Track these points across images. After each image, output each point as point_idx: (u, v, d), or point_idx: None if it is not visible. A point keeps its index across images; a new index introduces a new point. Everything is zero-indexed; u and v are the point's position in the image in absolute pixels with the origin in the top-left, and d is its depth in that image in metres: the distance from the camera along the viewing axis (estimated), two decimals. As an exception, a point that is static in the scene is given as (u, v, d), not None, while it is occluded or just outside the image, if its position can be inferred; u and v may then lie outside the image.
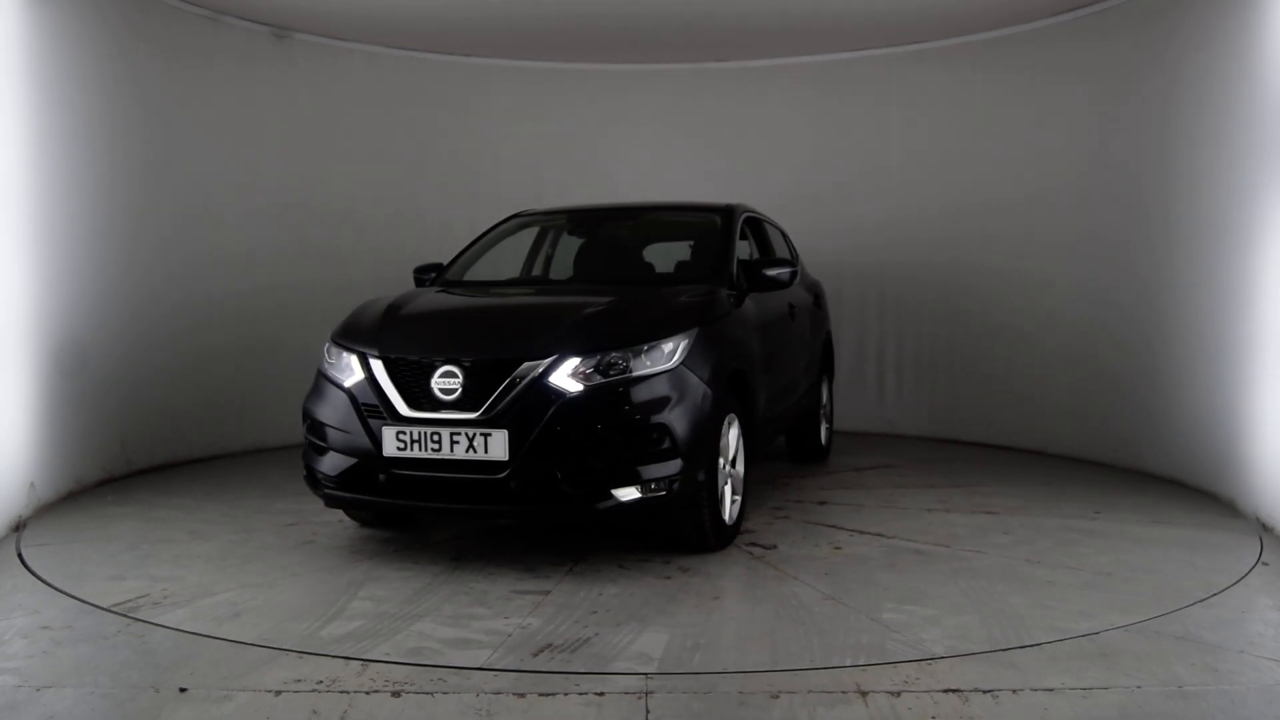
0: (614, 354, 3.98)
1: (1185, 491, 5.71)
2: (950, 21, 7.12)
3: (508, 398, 3.89)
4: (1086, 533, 4.74)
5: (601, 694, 2.92)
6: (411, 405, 4.00)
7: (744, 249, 5.68)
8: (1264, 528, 4.88)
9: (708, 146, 8.22)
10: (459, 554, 4.43)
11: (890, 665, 3.12)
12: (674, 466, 3.97)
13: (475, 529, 4.85)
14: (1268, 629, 3.54)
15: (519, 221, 5.88)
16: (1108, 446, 6.58)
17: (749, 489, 4.78)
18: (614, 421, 3.92)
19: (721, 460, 4.33)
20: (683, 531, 4.30)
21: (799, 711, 2.81)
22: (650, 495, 3.94)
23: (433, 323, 4.47)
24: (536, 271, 5.97)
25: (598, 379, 3.94)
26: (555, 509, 4.03)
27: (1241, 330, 5.27)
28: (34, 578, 4.06)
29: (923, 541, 4.58)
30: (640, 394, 3.97)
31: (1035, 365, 7.14)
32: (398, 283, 6.89)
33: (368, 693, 2.93)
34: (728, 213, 5.39)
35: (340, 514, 4.89)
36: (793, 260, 5.33)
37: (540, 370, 3.91)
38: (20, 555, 4.37)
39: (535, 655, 3.21)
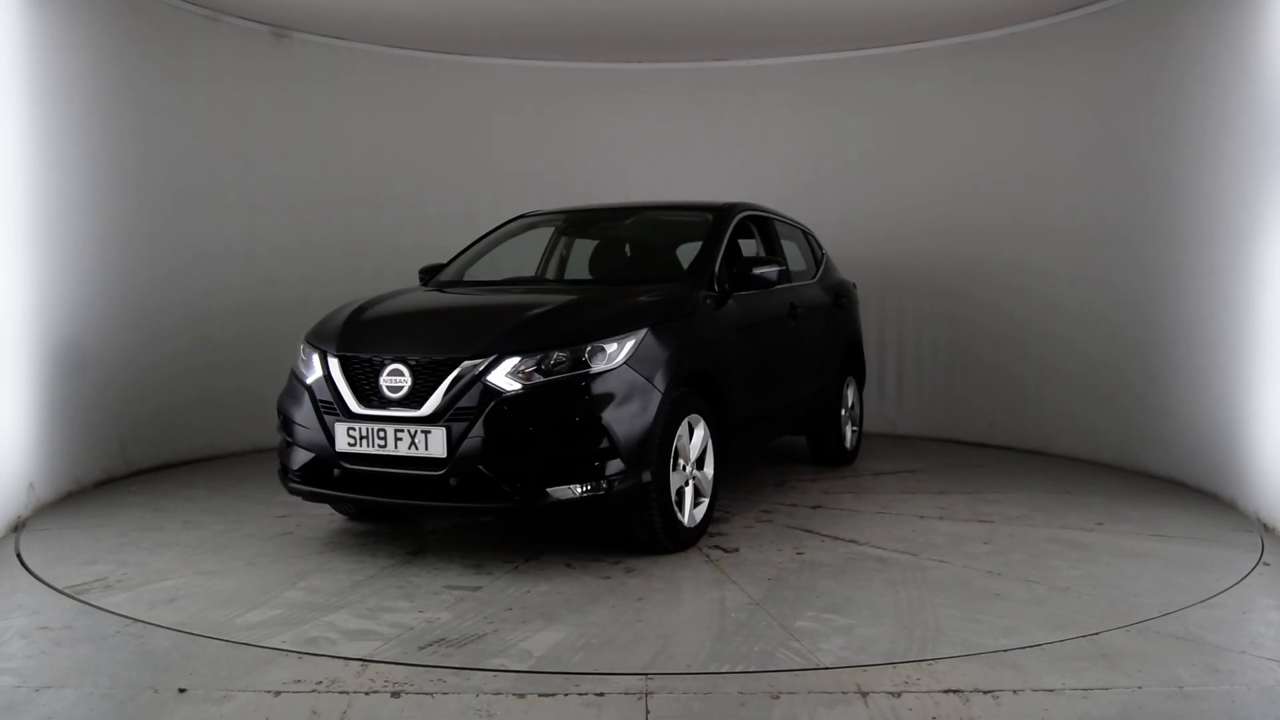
0: (553, 354, 4.02)
1: (1190, 495, 5.70)
2: (952, 21, 7.11)
3: (447, 396, 3.98)
4: (1073, 545, 4.55)
5: (601, 694, 2.92)
6: (362, 402, 4.13)
7: (750, 248, 5.69)
8: (1265, 528, 4.88)
9: (708, 145, 8.22)
10: (419, 549, 4.51)
11: (891, 666, 3.12)
12: (613, 467, 3.98)
13: (457, 524, 4.92)
14: (1269, 629, 3.53)
15: (524, 222, 5.92)
16: (1109, 447, 6.58)
17: (725, 490, 4.78)
18: (550, 421, 3.95)
19: (682, 462, 4.35)
20: (635, 532, 4.31)
21: (799, 712, 2.80)
22: (588, 495, 3.96)
23: (389, 322, 4.53)
24: (533, 272, 5.99)
25: (537, 378, 3.98)
26: (493, 506, 4.02)
27: (1243, 330, 5.27)
28: (33, 578, 4.06)
29: (892, 549, 4.46)
30: (578, 394, 3.99)
31: (1036, 365, 7.14)
32: (396, 281, 6.90)
33: (367, 693, 2.92)
34: (721, 212, 5.36)
35: (328, 509, 5.00)
36: (783, 260, 5.23)
37: (479, 369, 3.99)
38: (19, 555, 4.37)
39: (421, 649, 3.27)
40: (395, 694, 2.92)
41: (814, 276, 6.34)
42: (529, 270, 6.09)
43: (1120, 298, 6.47)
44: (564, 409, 3.97)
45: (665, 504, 4.22)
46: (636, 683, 3.00)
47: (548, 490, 3.93)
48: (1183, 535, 4.73)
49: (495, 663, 3.14)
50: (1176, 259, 5.96)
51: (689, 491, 4.43)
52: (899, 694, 2.91)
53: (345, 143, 7.55)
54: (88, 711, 2.82)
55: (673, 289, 4.67)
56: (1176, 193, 5.95)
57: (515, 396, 3.95)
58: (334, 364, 4.26)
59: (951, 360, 7.71)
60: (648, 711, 2.81)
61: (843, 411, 6.46)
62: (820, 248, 6.68)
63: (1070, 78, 6.81)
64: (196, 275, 6.69)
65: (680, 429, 4.31)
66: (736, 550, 4.47)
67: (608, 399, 4.01)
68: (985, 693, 2.92)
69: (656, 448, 4.13)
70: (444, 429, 3.94)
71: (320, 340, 4.45)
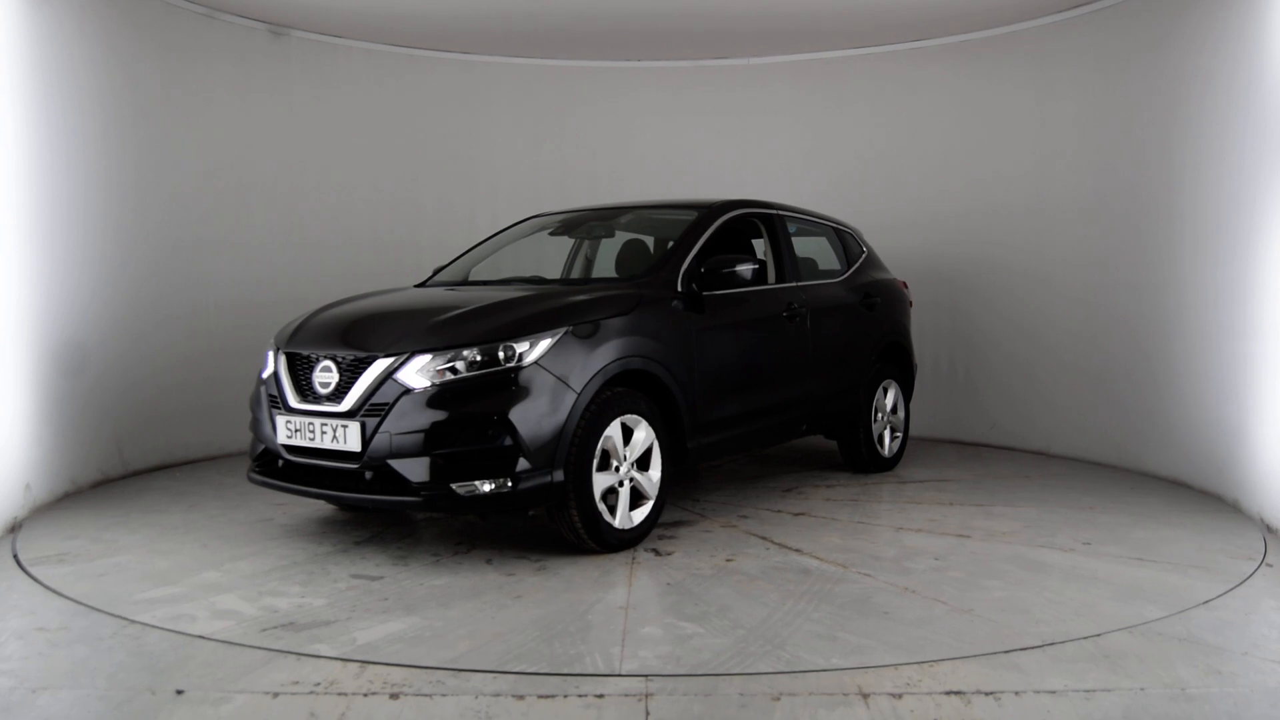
0: (462, 352, 4.09)
1: (1194, 498, 5.69)
2: (953, 19, 7.10)
3: (363, 392, 4.13)
4: (1031, 565, 4.24)
5: (601, 695, 2.90)
6: (300, 397, 4.35)
7: (759, 247, 5.64)
8: (1268, 529, 4.86)
9: (708, 143, 8.21)
10: (369, 538, 4.68)
11: (892, 668, 3.10)
12: (518, 465, 4.02)
13: (442, 518, 5.03)
14: (1271, 631, 3.52)
15: (534, 223, 5.97)
16: (1111, 447, 6.57)
17: (718, 492, 4.69)
18: (454, 417, 4.02)
19: (615, 463, 4.35)
20: (560, 532, 4.33)
21: (800, 713, 2.79)
22: (493, 492, 4.01)
23: (334, 321, 4.63)
24: (538, 271, 5.97)
25: (446, 376, 4.06)
26: (403, 500, 4.08)
27: (1245, 330, 5.26)
28: (29, 579, 4.04)
29: (829, 561, 4.29)
30: (484, 392, 4.05)
31: (1038, 365, 7.13)
32: (393, 280, 6.89)
33: (365, 695, 2.91)
34: (707, 211, 5.31)
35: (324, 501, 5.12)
36: (754, 258, 5.09)
37: (392, 367, 4.11)
38: (16, 557, 4.35)
39: (262, 631, 3.41)
40: (394, 695, 2.90)
41: (842, 275, 6.22)
42: (536, 270, 6.05)
43: (1122, 297, 6.46)
44: (469, 407, 4.03)
45: (586, 504, 4.22)
46: (637, 684, 2.98)
47: (453, 486, 4.00)
48: (1167, 561, 4.30)
49: (311, 648, 3.26)
50: (1178, 258, 5.95)
51: (624, 493, 4.41)
52: (900, 695, 2.90)
53: (343, 140, 7.54)
54: (85, 713, 2.80)
55: (616, 288, 4.67)
56: (1178, 192, 5.94)
57: (421, 393, 4.05)
58: (281, 361, 4.49)
59: (953, 359, 7.70)
60: (648, 713, 2.80)
61: (880, 416, 6.29)
62: (860, 246, 6.54)
63: (1072, 76, 6.80)
64: (194, 275, 6.68)
65: (610, 430, 4.30)
66: (670, 554, 4.42)
67: (515, 397, 4.05)
68: (987, 694, 2.90)
69: (571, 447, 4.14)
70: (359, 424, 4.10)
71: (277, 338, 4.69)
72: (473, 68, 8.01)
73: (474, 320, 4.26)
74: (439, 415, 4.01)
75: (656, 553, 4.44)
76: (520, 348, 4.12)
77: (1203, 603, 3.75)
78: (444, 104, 7.95)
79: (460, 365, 4.07)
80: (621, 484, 4.41)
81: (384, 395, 4.09)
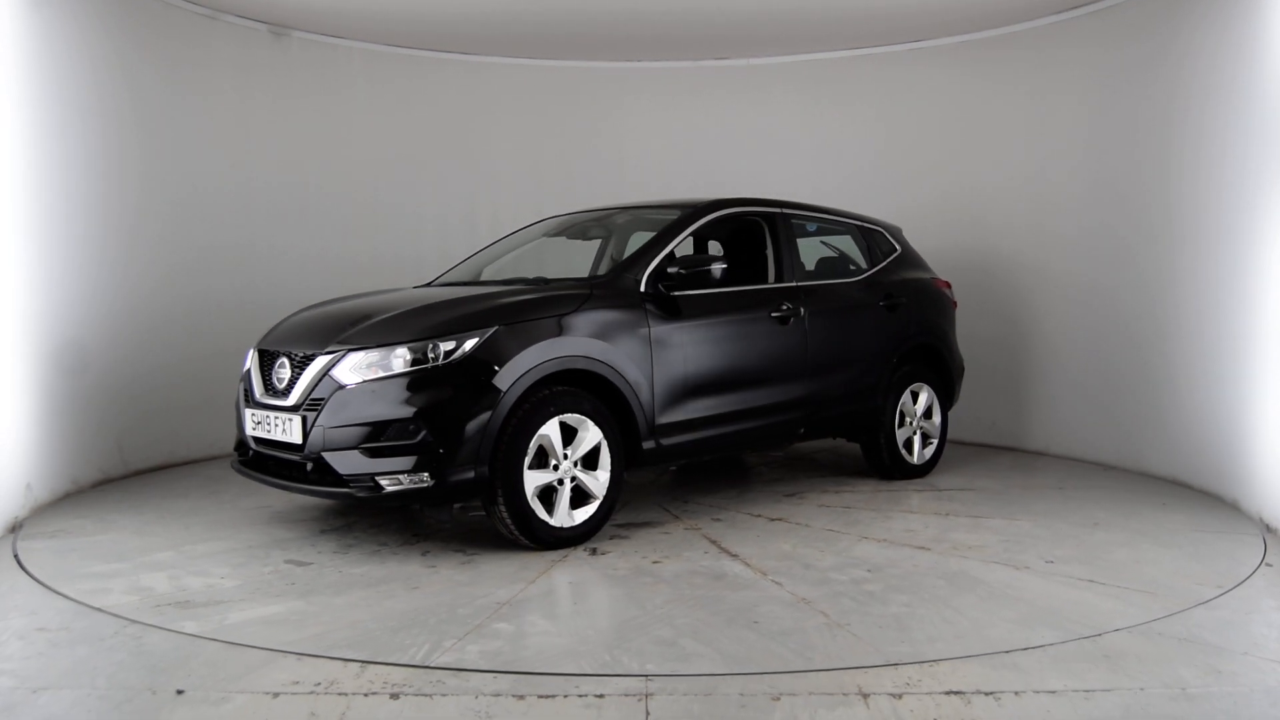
0: (393, 349, 4.23)
1: (1191, 498, 5.69)
2: (953, 20, 7.10)
3: (305, 388, 4.33)
4: (962, 582, 3.98)
5: (601, 695, 2.90)
6: (264, 392, 4.57)
7: (758, 247, 5.60)
8: (1268, 529, 4.86)
9: (708, 144, 8.21)
10: (338, 527, 4.91)
11: (892, 667, 3.11)
12: (439, 461, 4.13)
13: (428, 510, 5.15)
14: (1271, 631, 3.52)
15: (548, 223, 6.02)
16: (1111, 447, 6.57)
17: (716, 494, 4.68)
18: (380, 413, 4.17)
19: (554, 461, 4.40)
20: (497, 528, 4.45)
21: (800, 714, 2.79)
22: (414, 488, 4.15)
23: (300, 320, 4.87)
24: (547, 271, 5.95)
25: (376, 373, 4.20)
26: (336, 492, 4.27)
27: (1245, 329, 5.26)
28: (30, 579, 4.05)
29: (756, 569, 4.17)
30: (409, 389, 4.17)
31: (1037, 365, 7.13)
32: (393, 280, 6.89)
33: (366, 695, 2.91)
34: (690, 210, 5.29)
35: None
36: (722, 258, 5.01)
37: (330, 364, 4.29)
38: (16, 556, 4.35)
39: (154, 608, 3.66)
40: (394, 695, 2.91)
41: (861, 275, 6.04)
42: (548, 270, 6.01)
43: (1122, 297, 6.46)
44: (393, 403, 4.16)
45: (517, 502, 4.28)
46: (637, 684, 2.98)
47: (378, 479, 4.15)
48: (1119, 585, 3.95)
49: (187, 627, 3.46)
50: (1178, 258, 5.95)
51: (564, 492, 4.44)
52: (900, 695, 2.90)
53: (344, 141, 7.54)
54: (85, 713, 2.80)
55: (566, 289, 4.70)
56: (1178, 192, 5.94)
57: (351, 389, 4.21)
58: (253, 357, 4.75)
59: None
60: (648, 713, 2.80)
61: (909, 421, 6.08)
62: (894, 245, 6.34)
63: (1071, 76, 6.79)
64: (195, 274, 6.68)
65: (546, 429, 4.35)
66: (605, 554, 4.42)
67: (438, 395, 4.16)
68: (987, 694, 2.91)
69: (498, 445, 4.22)
70: (300, 418, 4.29)
71: (260, 337, 4.97)
72: (473, 68, 8.01)
73: (409, 320, 4.40)
74: (367, 410, 4.17)
75: (593, 552, 4.46)
76: (446, 346, 4.22)
77: (1203, 603, 3.75)
78: (444, 104, 7.94)
79: (391, 362, 4.20)
80: (561, 482, 4.45)
81: (321, 390, 4.27)
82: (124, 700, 2.88)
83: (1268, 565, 4.27)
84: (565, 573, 4.15)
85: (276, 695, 2.91)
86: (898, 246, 6.41)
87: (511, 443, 4.25)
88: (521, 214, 7.86)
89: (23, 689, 2.95)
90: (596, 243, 6.19)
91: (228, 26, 6.89)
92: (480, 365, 4.22)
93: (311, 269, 7.27)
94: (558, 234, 6.01)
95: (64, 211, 5.60)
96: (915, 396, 6.17)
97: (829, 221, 6.09)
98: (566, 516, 4.46)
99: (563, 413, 4.42)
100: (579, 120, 8.22)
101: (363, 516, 5.07)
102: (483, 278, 5.64)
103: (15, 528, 4.84)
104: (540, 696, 2.90)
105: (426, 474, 4.12)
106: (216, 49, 6.82)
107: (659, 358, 4.78)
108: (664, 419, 4.81)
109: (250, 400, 4.64)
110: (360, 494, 4.20)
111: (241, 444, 4.78)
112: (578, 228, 6.00)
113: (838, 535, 4.78)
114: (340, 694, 2.91)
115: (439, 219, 7.87)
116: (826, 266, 6.05)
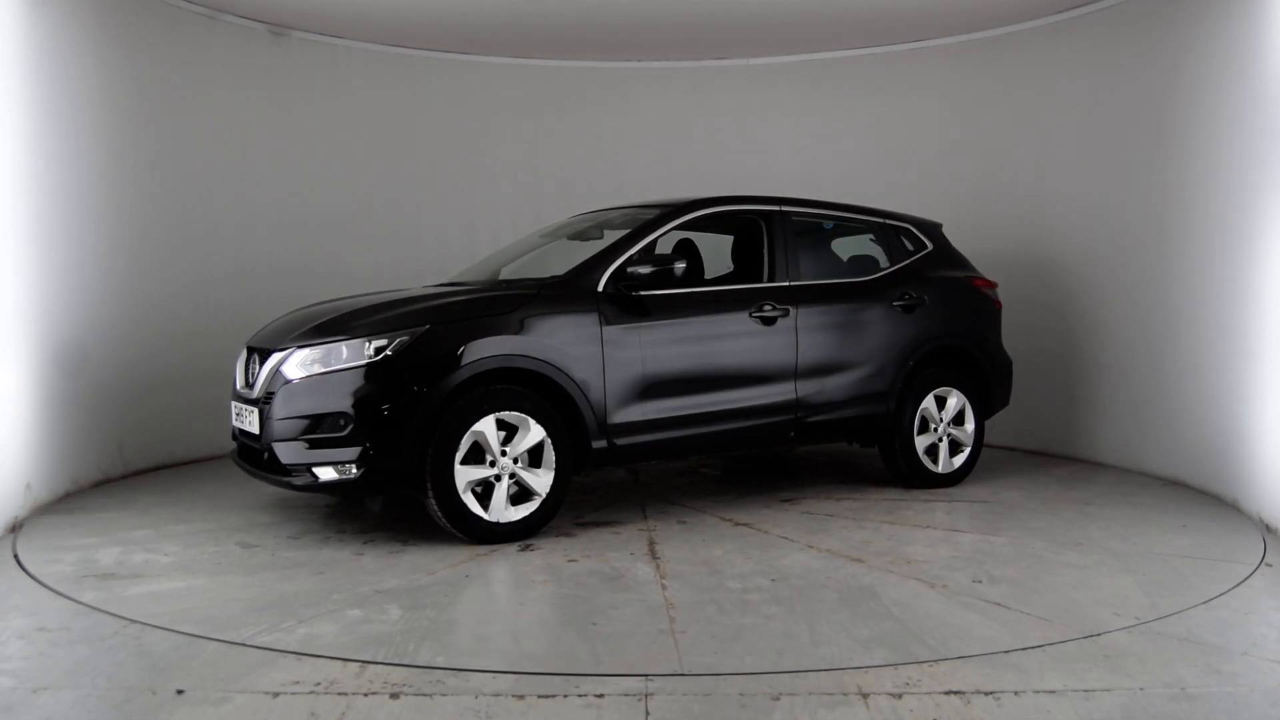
0: (334, 347, 4.44)
1: (1195, 499, 5.68)
2: (953, 20, 7.11)
3: (262, 382, 4.59)
4: (856, 596, 3.80)
5: (601, 695, 2.90)
6: (245, 385, 4.83)
7: (756, 246, 5.55)
8: (1267, 529, 4.86)
9: (708, 144, 8.20)
10: (318, 514, 5.15)
11: (891, 667, 3.11)
12: (364, 454, 4.32)
13: (409, 501, 5.28)
14: (1271, 631, 3.52)
15: (556, 224, 6.07)
16: (1111, 447, 6.57)
17: (705, 494, 4.74)
18: (314, 407, 4.40)
19: (490, 458, 4.48)
20: (434, 521, 4.60)
21: (800, 713, 2.79)
22: (339, 480, 4.37)
23: (284, 319, 5.09)
24: (528, 273, 5.95)
25: (315, 368, 4.43)
26: (279, 480, 4.51)
27: (1244, 329, 5.26)
28: (30, 579, 4.05)
29: (667, 574, 4.11)
30: (340, 384, 4.38)
31: (1036, 366, 7.12)
32: (392, 281, 6.89)
33: (365, 695, 2.91)
34: (665, 210, 5.26)
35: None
36: (681, 257, 4.92)
37: (281, 360, 4.53)
38: (16, 557, 4.35)
39: (80, 578, 4.00)
40: (394, 695, 2.91)
41: (879, 274, 5.80)
42: (565, 268, 5.93)
43: (1122, 297, 6.46)
44: (325, 397, 4.39)
45: (448, 496, 4.41)
46: (636, 684, 2.99)
47: (314, 470, 4.38)
48: (1022, 611, 3.64)
49: (84, 596, 3.77)
50: (1178, 258, 5.95)
51: (500, 488, 4.52)
52: (900, 695, 2.90)
53: (344, 141, 7.54)
54: (85, 713, 2.80)
55: (510, 288, 4.83)
56: (1178, 191, 5.94)
57: (294, 384, 4.45)
58: (242, 353, 4.98)
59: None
60: (647, 713, 2.80)
61: (933, 427, 5.79)
62: (924, 242, 6.09)
63: (1071, 76, 6.80)
64: (195, 273, 6.68)
65: (481, 425, 4.44)
66: (536, 550, 4.48)
67: (368, 390, 4.35)
68: (987, 694, 2.91)
69: (427, 440, 4.37)
70: (258, 411, 4.56)
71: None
72: (473, 68, 8.01)
73: (351, 319, 4.59)
74: (305, 404, 4.42)
75: (525, 548, 4.51)
76: (378, 343, 4.39)
77: (1202, 602, 3.75)
78: (444, 104, 7.94)
79: (330, 359, 4.42)
80: (499, 479, 4.51)
81: (273, 385, 4.52)
82: (124, 700, 2.88)
83: (1267, 565, 4.27)
84: (476, 566, 4.23)
85: (276, 695, 2.91)
86: (928, 244, 6.12)
87: (442, 438, 4.38)
88: (521, 214, 7.87)
89: (23, 689, 2.95)
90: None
91: (227, 26, 6.89)
92: (408, 362, 4.38)
93: (311, 269, 7.27)
94: (584, 229, 5.94)
95: (64, 211, 5.60)
96: (942, 402, 5.85)
97: (842, 219, 5.91)
98: (503, 512, 4.54)
99: (500, 410, 4.50)
100: (579, 120, 8.22)
101: (350, 507, 5.29)
102: (501, 277, 5.57)
103: (15, 528, 4.84)
104: (540, 696, 2.90)
105: (353, 465, 4.33)
106: (216, 49, 6.83)
107: (612, 357, 4.77)
108: (618, 419, 4.79)
109: (234, 394, 4.94)
110: (298, 483, 4.43)
111: (231, 435, 5.09)
112: (600, 226, 5.93)
113: (784, 544, 4.60)
114: (340, 694, 2.91)
115: (439, 218, 7.87)
116: (834, 265, 5.84)
